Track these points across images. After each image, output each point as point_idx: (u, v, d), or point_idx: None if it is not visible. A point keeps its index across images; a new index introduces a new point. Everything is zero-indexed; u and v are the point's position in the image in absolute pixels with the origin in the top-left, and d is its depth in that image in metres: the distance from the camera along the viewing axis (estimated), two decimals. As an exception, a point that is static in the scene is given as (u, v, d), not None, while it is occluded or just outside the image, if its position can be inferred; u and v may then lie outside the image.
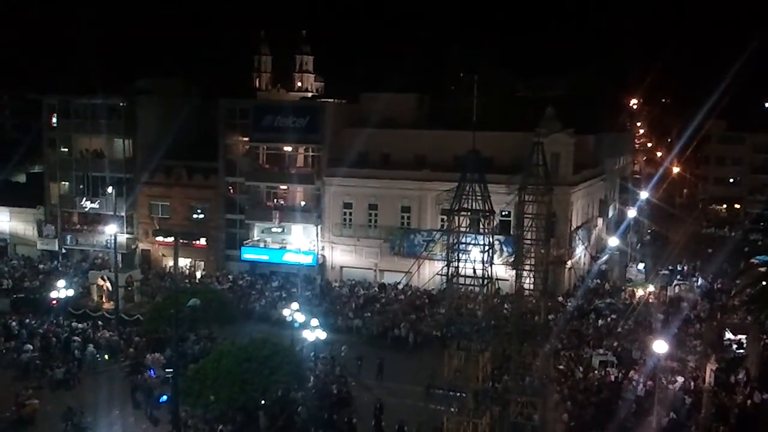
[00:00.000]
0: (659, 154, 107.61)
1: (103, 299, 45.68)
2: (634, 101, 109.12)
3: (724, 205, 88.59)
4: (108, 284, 45.72)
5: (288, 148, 54.71)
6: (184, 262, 55.82)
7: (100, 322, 42.40)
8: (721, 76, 63.30)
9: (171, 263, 54.31)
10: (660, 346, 29.58)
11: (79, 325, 41.33)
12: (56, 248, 58.44)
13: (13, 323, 41.44)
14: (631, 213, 60.76)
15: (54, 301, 44.02)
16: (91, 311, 43.98)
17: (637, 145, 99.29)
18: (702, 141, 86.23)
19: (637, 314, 42.76)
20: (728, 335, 38.99)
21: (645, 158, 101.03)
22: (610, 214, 63.93)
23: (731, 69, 62.00)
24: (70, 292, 44.39)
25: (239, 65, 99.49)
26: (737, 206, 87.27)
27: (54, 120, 59.42)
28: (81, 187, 58.29)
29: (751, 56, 62.28)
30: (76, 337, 39.18)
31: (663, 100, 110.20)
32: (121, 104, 57.28)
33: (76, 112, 58.22)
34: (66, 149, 59.17)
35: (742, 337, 38.15)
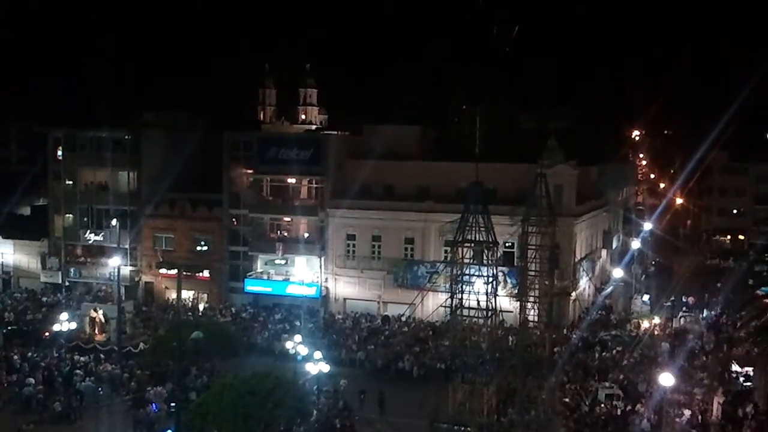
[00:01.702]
0: (662, 185, 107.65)
1: (96, 331, 45.52)
2: (636, 132, 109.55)
3: (728, 237, 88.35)
4: (100, 316, 45.79)
5: (292, 180, 54.94)
6: (186, 295, 55.70)
7: (102, 355, 42.20)
8: (722, 107, 63.66)
9: (174, 295, 54.23)
10: (666, 379, 29.33)
11: (81, 359, 41.15)
12: (59, 281, 58.46)
13: (15, 357, 41.25)
14: (635, 244, 60.62)
15: (46, 333, 44.06)
16: (83, 343, 43.78)
17: (639, 176, 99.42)
18: (704, 172, 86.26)
19: (643, 346, 42.46)
20: (735, 367, 38.63)
21: (648, 189, 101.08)
22: (614, 245, 63.81)
23: (733, 100, 62.38)
24: (73, 325, 44.37)
25: (244, 99, 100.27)
26: (741, 237, 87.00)
27: (59, 153, 59.80)
28: (85, 219, 58.48)
29: (753, 87, 62.69)
30: (78, 371, 38.98)
31: (665, 132, 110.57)
32: (127, 137, 57.71)
33: (81, 145, 58.62)
34: (71, 182, 59.46)
35: (749, 369, 37.80)
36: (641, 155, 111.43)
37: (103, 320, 45.44)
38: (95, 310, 46.21)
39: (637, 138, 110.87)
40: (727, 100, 63.34)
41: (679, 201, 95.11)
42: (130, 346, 42.77)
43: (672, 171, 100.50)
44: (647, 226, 65.92)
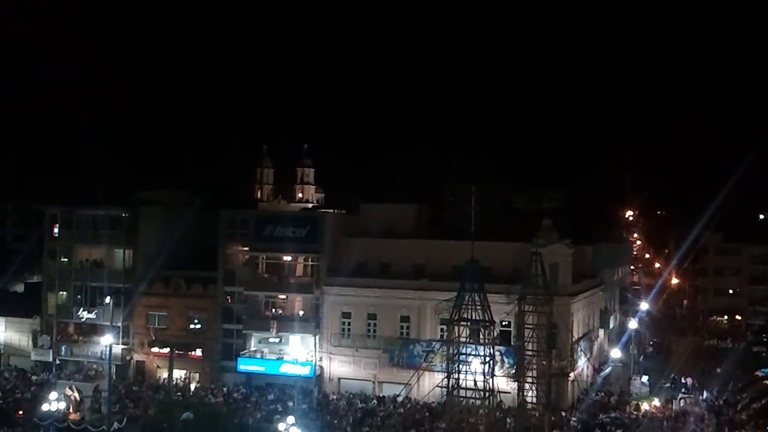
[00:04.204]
0: (657, 265, 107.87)
1: (70, 410, 44.54)
2: (629, 213, 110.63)
3: (725, 317, 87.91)
4: (75, 394, 45.02)
5: (287, 258, 54.91)
6: (178, 374, 54.72)
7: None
8: (715, 189, 64.55)
9: (165, 375, 53.29)
10: (668, 463, 28.64)
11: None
12: (50, 359, 57.49)
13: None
14: (633, 324, 60.22)
15: (20, 412, 43.55)
16: (57, 422, 42.77)
17: (634, 256, 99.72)
18: (699, 252, 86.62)
19: (643, 429, 41.63)
20: (738, 451, 37.79)
21: (643, 269, 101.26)
22: (612, 325, 63.39)
23: (725, 182, 63.32)
24: (62, 405, 43.47)
25: (242, 178, 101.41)
26: (738, 317, 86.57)
27: (56, 230, 59.85)
28: (79, 297, 58.03)
29: (745, 169, 63.75)
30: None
31: (658, 212, 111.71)
32: (124, 215, 57.93)
33: (78, 223, 58.73)
34: (66, 259, 59.29)
35: (752, 453, 36.98)
36: (635, 235, 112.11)
37: (77, 399, 44.68)
38: (70, 389, 45.51)
39: (630, 218, 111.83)
40: (719, 182, 64.32)
41: (674, 281, 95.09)
42: (104, 426, 41.83)
43: (667, 251, 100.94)
44: (644, 305, 65.63)
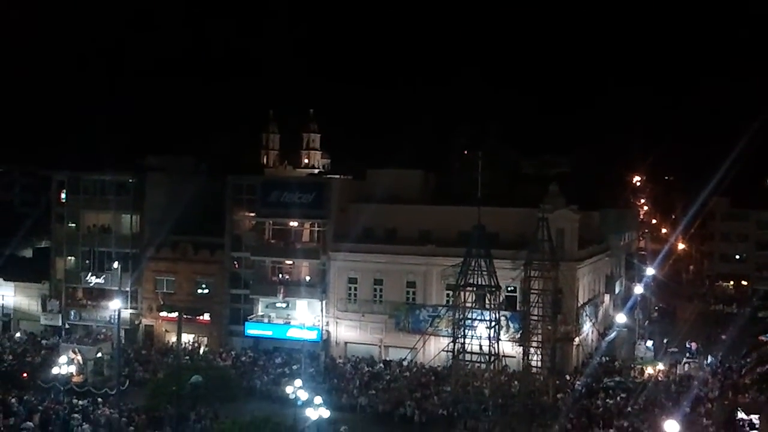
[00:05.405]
0: (664, 230, 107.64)
1: (74, 373, 45.21)
2: (637, 178, 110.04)
3: (731, 282, 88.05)
4: (79, 357, 45.50)
5: (294, 223, 55.06)
6: (187, 338, 55.32)
7: (99, 399, 41.77)
8: (723, 154, 64.05)
9: (174, 339, 53.89)
10: (671, 427, 28.87)
11: (80, 402, 40.68)
12: (59, 323, 58.14)
13: (12, 400, 40.80)
14: (638, 289, 60.37)
15: (25, 374, 44.31)
16: (60, 384, 43.36)
17: (641, 222, 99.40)
18: (706, 218, 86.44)
19: (647, 393, 41.98)
20: (740, 415, 38.11)
21: (650, 234, 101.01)
22: (617, 290, 63.58)
23: (733, 147, 62.81)
24: (72, 368, 43.98)
25: (248, 143, 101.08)
26: (744, 283, 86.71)
27: (63, 196, 60.06)
28: (87, 262, 58.42)
29: (753, 135, 63.18)
30: (75, 415, 38.51)
31: (666, 178, 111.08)
32: (131, 180, 58.03)
33: (85, 188, 58.88)
34: (73, 224, 59.57)
35: (755, 417, 37.28)
36: (642, 201, 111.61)
37: (80, 362, 45.17)
38: (74, 351, 46.05)
39: (638, 184, 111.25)
40: (727, 147, 63.80)
41: (681, 246, 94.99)
42: (106, 388, 42.41)
43: (673, 216, 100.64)
44: (650, 271, 65.68)
